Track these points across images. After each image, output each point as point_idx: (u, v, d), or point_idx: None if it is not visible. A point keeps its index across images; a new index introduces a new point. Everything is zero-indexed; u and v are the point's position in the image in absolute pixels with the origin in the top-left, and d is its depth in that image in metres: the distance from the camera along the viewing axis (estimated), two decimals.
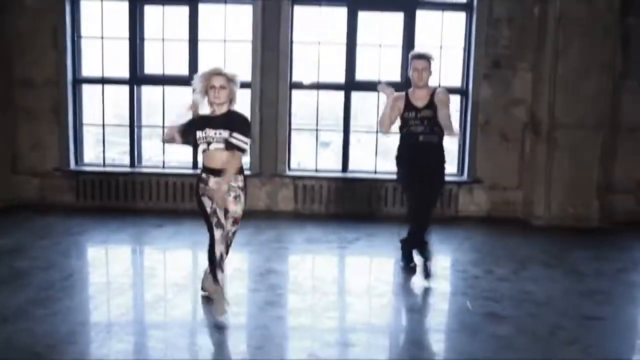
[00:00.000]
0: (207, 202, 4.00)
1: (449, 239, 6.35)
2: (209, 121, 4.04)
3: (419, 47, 5.25)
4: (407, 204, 5.38)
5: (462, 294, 4.75)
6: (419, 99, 4.90)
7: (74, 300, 4.31)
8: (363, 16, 7.27)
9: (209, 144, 4.00)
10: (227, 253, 4.09)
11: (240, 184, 4.11)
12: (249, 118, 4.47)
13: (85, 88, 7.48)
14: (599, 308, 4.46)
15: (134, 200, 7.26)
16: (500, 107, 7.22)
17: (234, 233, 4.16)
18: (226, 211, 4.03)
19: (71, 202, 7.26)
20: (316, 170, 7.48)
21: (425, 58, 4.85)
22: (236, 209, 4.09)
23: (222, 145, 3.97)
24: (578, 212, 6.94)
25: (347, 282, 5.22)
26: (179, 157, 7.66)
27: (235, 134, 3.95)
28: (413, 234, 5.11)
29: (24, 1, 7.05)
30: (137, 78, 7.35)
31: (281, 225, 6.77)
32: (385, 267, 5.71)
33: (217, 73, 3.99)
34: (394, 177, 5.46)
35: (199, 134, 4.03)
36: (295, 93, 7.44)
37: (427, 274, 4.91)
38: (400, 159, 5.09)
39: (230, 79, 4.00)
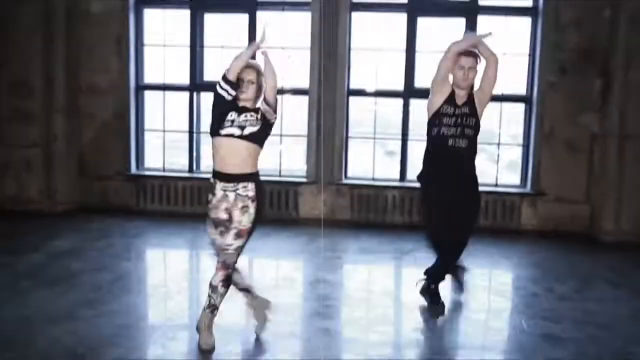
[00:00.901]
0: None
1: (510, 254, 6.14)
2: (236, 107, 3.71)
3: (470, 36, 4.58)
4: (430, 220, 4.74)
5: (519, 312, 4.56)
6: (460, 97, 4.38)
7: (120, 303, 4.39)
8: (423, 22, 7.14)
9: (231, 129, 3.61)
10: (223, 276, 3.67)
11: (251, 193, 3.65)
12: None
13: (148, 94, 7.67)
14: None
15: (192, 204, 7.38)
16: (566, 116, 6.92)
17: (235, 249, 3.63)
18: (230, 221, 3.63)
19: (131, 206, 7.46)
20: (373, 179, 7.39)
21: (474, 56, 4.31)
22: (241, 219, 3.62)
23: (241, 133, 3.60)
24: None
25: (398, 295, 5.11)
26: None
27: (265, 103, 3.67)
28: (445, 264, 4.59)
29: (89, 10, 7.31)
30: (197, 85, 7.48)
31: (336, 234, 6.71)
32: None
33: (249, 66, 3.70)
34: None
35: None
36: (355, 100, 7.38)
37: (460, 287, 4.75)
38: (427, 165, 4.54)
39: (260, 74, 3.70)
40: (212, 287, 3.62)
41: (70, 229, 6.47)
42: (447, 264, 4.56)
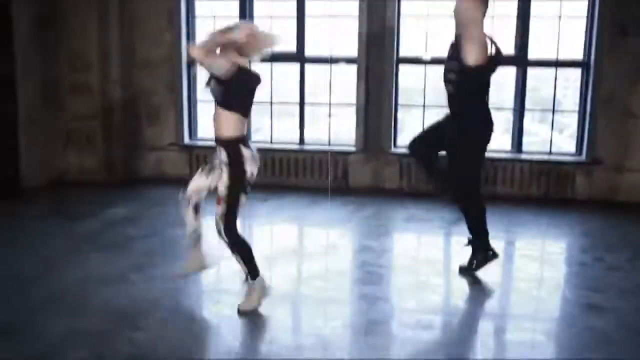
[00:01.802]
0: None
1: (561, 224, 6.05)
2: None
3: None
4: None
5: (565, 282, 4.51)
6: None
7: (170, 267, 4.55)
8: None
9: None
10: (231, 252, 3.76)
11: (224, 158, 3.61)
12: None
13: (199, 67, 7.80)
14: None
15: None
16: (626, 81, 6.65)
17: (220, 217, 3.64)
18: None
19: (184, 175, 7.67)
20: None
21: None
22: (219, 184, 3.66)
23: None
24: None
25: (444, 263, 5.12)
26: (285, 134, 7.84)
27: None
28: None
29: None
30: None
31: (384, 202, 6.75)
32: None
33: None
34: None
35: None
36: (404, 68, 7.32)
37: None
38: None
39: None
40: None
41: (126, 197, 6.77)
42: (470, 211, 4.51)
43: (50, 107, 7.42)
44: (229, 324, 3.72)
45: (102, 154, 7.54)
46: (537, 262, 4.97)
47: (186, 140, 7.75)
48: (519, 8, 6.85)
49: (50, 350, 3.26)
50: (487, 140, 4.47)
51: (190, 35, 7.67)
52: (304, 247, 5.49)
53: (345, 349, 3.42)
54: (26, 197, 6.81)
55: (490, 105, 4.62)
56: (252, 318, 3.75)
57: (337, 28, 7.38)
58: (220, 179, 3.61)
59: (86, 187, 7.25)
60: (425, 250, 5.50)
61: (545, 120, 7.88)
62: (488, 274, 4.57)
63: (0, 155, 6.77)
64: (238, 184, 3.60)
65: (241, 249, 3.70)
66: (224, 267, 4.78)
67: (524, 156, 7.05)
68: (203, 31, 7.70)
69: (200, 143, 7.80)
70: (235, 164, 3.58)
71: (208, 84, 3.61)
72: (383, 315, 3.88)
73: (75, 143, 7.59)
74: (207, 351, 3.47)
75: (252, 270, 3.71)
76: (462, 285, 4.48)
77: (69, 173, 7.58)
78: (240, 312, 3.73)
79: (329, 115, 7.51)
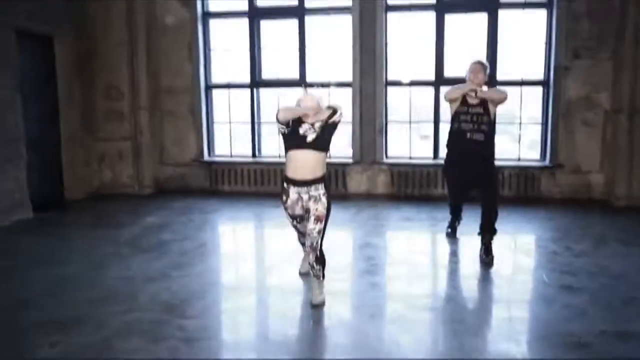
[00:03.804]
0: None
1: (532, 219, 6.13)
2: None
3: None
4: (450, 192, 5.39)
5: (541, 267, 4.60)
6: (472, 98, 4.80)
7: (204, 265, 4.62)
8: (450, 18, 7.12)
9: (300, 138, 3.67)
10: (313, 256, 3.78)
11: (322, 191, 3.72)
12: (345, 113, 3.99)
13: (215, 92, 7.90)
14: None
15: (255, 185, 7.62)
16: (581, 96, 6.82)
17: (318, 232, 3.73)
18: (307, 211, 3.75)
19: (205, 187, 7.75)
20: (410, 158, 7.46)
21: (481, 63, 4.84)
22: (317, 206, 3.70)
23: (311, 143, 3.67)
24: None
25: (435, 256, 5.20)
26: None
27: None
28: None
29: (165, 23, 7.57)
30: (257, 82, 7.67)
31: (379, 206, 6.84)
32: (470, 242, 5.53)
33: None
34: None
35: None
36: (392, 90, 7.42)
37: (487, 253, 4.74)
38: (449, 154, 5.06)
39: (318, 104, 3.76)
40: (311, 266, 3.81)
41: (158, 207, 6.80)
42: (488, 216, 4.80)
43: (88, 130, 7.47)
44: (260, 309, 3.78)
45: (133, 170, 7.59)
46: (515, 253, 5.06)
47: (206, 157, 7.81)
48: (488, 37, 7.00)
49: (110, 338, 3.28)
50: None
51: (208, 66, 7.75)
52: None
53: (353, 329, 3.48)
54: (70, 208, 6.85)
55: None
56: (278, 306, 3.82)
57: (334, 57, 7.48)
58: (319, 203, 3.68)
59: (120, 199, 7.29)
60: (419, 244, 5.54)
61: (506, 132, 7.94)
62: (473, 263, 4.68)
63: (46, 173, 6.80)
64: (330, 206, 3.76)
65: (323, 262, 3.82)
66: (246, 266, 4.86)
67: (496, 163, 7.13)
68: (217, 62, 7.82)
69: (217, 159, 7.85)
70: (329, 191, 3.76)
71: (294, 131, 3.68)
72: (387, 300, 3.95)
73: (109, 161, 7.63)
74: (246, 332, 3.50)
75: (324, 274, 3.84)
76: (451, 274, 4.57)
77: (105, 187, 7.62)
78: (316, 305, 3.74)
79: None
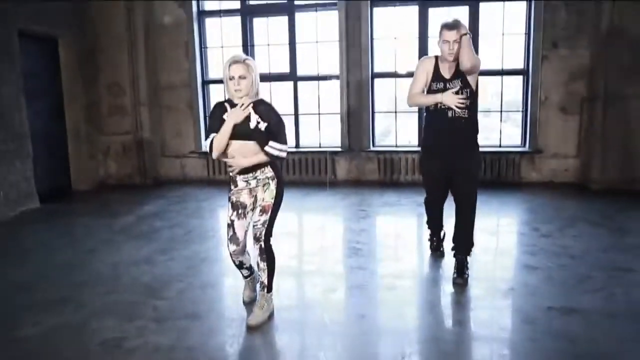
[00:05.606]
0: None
1: (508, 202, 6.10)
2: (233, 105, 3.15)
3: (450, 18, 3.79)
4: (425, 186, 4.23)
5: (508, 248, 4.58)
6: (446, 70, 3.79)
7: (188, 250, 4.66)
8: (433, 12, 7.06)
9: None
10: (260, 259, 3.23)
11: (269, 174, 3.19)
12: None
13: (212, 87, 7.96)
14: (634, 261, 4.11)
15: None
16: (559, 84, 6.73)
17: (262, 223, 3.17)
18: (255, 201, 3.22)
19: (203, 177, 7.83)
20: (396, 146, 7.45)
21: (457, 28, 3.65)
22: (264, 196, 3.19)
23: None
24: (633, 175, 6.36)
25: (415, 238, 5.19)
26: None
27: (272, 143, 3.08)
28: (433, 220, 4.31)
29: (163, 23, 7.62)
30: None
31: (365, 192, 6.84)
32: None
33: (235, 61, 3.08)
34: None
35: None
36: (378, 82, 7.40)
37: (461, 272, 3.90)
38: (427, 137, 3.97)
39: (250, 67, 3.11)
40: (257, 264, 3.27)
41: (156, 196, 6.89)
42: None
43: (92, 125, 7.57)
44: (235, 291, 3.80)
45: (135, 162, 7.68)
46: (488, 234, 5.03)
47: (203, 148, 7.80)
48: (470, 29, 6.89)
49: (91, 317, 3.37)
50: None
51: (204, 62, 7.80)
52: (302, 229, 5.59)
53: (332, 308, 3.47)
54: (76, 198, 6.97)
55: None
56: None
57: (322, 51, 7.47)
58: (267, 191, 3.18)
59: (123, 189, 7.39)
60: (400, 227, 5.54)
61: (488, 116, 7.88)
62: (443, 245, 4.61)
63: (54, 165, 6.93)
64: (282, 196, 3.25)
65: (270, 260, 3.24)
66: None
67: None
68: (213, 58, 7.86)
69: None
70: (279, 175, 3.23)
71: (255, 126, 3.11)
72: (370, 280, 3.92)
73: (113, 154, 7.73)
74: (214, 312, 3.54)
75: (270, 284, 3.27)
76: (428, 256, 4.45)
77: (109, 178, 7.73)
78: (252, 327, 3.15)
79: (319, 122, 7.61)
